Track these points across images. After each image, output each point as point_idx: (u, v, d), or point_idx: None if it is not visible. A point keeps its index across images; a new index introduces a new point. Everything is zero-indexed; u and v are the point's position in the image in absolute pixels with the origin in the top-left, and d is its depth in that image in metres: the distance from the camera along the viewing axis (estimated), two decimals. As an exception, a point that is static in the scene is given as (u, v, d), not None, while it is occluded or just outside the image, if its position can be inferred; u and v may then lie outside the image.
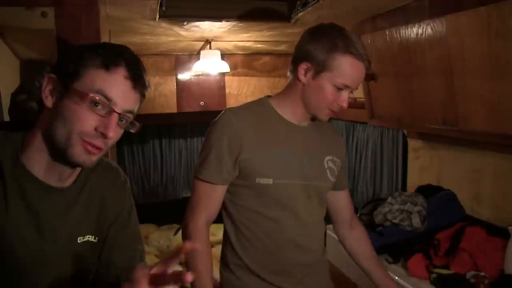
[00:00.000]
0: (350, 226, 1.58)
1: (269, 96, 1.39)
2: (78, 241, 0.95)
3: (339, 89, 1.25)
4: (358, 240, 1.58)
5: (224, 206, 1.36)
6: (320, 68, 1.25)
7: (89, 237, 0.96)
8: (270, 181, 1.27)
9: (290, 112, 1.34)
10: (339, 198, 1.55)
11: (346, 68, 1.23)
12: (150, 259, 3.36)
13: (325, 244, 1.53)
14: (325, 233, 1.58)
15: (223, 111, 1.30)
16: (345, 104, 1.26)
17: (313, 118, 1.37)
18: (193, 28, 2.41)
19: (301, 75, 1.28)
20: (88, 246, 0.96)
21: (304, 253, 1.37)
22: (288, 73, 1.34)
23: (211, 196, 1.30)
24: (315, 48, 1.25)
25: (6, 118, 1.60)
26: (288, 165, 1.30)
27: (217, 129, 1.28)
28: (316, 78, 1.26)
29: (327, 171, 1.39)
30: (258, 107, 1.35)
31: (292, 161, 1.31)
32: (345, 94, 1.26)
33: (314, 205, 1.38)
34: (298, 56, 1.29)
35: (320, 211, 1.44)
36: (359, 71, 1.25)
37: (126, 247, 1.02)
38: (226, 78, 3.53)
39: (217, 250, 3.67)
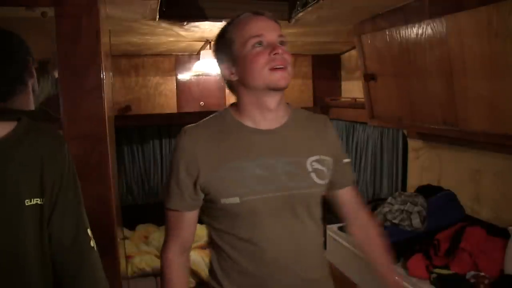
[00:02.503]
0: (355, 219, 1.40)
1: (232, 105, 1.26)
2: (26, 204, 0.95)
3: (259, 44, 1.13)
4: (361, 227, 1.40)
5: (207, 230, 1.27)
6: (232, 54, 1.17)
7: (37, 200, 0.97)
8: (237, 199, 1.13)
9: (251, 118, 1.19)
10: (341, 195, 1.36)
11: (242, 29, 1.15)
12: (151, 259, 3.36)
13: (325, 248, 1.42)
14: (325, 235, 1.54)
15: (181, 130, 1.22)
16: (280, 50, 1.12)
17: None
18: (193, 28, 2.41)
19: (230, 76, 1.19)
20: (37, 209, 0.97)
21: (296, 276, 1.21)
22: (226, 87, 1.27)
23: (180, 224, 1.22)
24: (217, 50, 1.22)
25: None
26: (258, 179, 1.15)
27: (175, 153, 1.20)
28: (237, 62, 1.16)
29: (312, 174, 1.20)
30: (218, 120, 1.22)
31: (263, 173, 1.15)
32: (272, 44, 1.13)
33: (302, 217, 1.21)
34: (220, 70, 1.24)
35: (312, 222, 1.24)
36: (257, 20, 1.16)
37: (66, 214, 1.02)
38: (226, 78, 3.53)
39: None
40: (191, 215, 1.22)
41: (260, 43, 1.13)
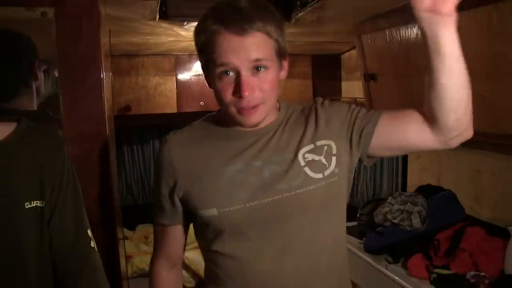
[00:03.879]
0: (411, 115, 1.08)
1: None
2: (26, 207, 0.95)
3: (225, 73, 0.92)
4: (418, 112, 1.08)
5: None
6: (203, 68, 1.01)
7: (37, 202, 0.97)
8: (214, 211, 0.99)
9: (233, 121, 1.01)
10: (384, 130, 1.03)
11: (207, 46, 0.95)
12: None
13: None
14: None
15: (164, 137, 1.11)
16: (245, 92, 0.90)
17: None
18: (193, 28, 2.41)
19: (209, 85, 1.02)
20: (37, 212, 0.97)
21: None
22: None
23: (164, 237, 1.13)
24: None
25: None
26: (239, 186, 0.99)
27: (156, 161, 1.10)
28: (209, 79, 1.00)
29: (306, 168, 1.00)
30: (203, 124, 1.10)
31: (245, 178, 0.99)
32: (239, 78, 0.91)
33: (304, 226, 1.01)
34: None
35: (319, 232, 1.02)
36: (224, 37, 0.91)
37: (66, 215, 1.02)
38: (226, 78, 3.54)
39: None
40: (176, 230, 1.12)
41: (226, 72, 0.92)
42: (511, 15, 1.41)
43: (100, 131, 1.54)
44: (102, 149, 1.54)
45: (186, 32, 2.51)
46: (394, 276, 1.92)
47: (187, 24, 2.29)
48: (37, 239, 0.98)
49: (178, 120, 3.77)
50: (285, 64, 1.01)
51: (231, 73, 0.92)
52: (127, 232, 3.75)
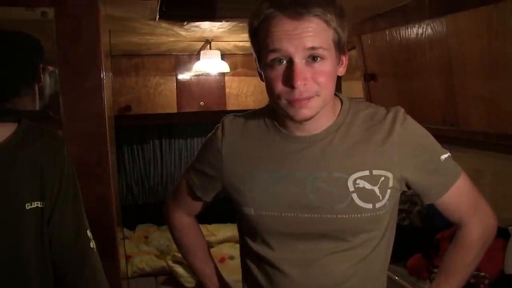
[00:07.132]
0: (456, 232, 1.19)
1: None
2: (27, 208, 0.95)
3: (278, 61, 0.85)
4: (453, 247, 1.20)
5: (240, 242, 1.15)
6: (257, 57, 0.92)
7: (37, 203, 0.97)
8: (252, 210, 0.98)
9: (284, 123, 0.97)
10: (440, 205, 1.12)
11: (261, 32, 0.87)
12: (151, 259, 3.37)
13: None
14: None
15: (222, 119, 1.07)
16: (298, 81, 0.82)
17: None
18: (193, 28, 2.41)
19: (260, 78, 0.94)
20: (37, 213, 0.97)
21: None
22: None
23: (188, 199, 1.16)
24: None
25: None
26: (280, 193, 0.95)
27: (207, 139, 1.08)
28: (261, 70, 0.92)
29: (354, 195, 0.92)
30: (258, 117, 1.02)
31: (288, 188, 0.95)
32: (292, 67, 0.84)
33: (341, 248, 0.96)
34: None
35: (357, 257, 0.98)
36: (279, 21, 0.83)
37: (66, 216, 1.02)
38: (226, 78, 3.54)
39: (218, 250, 3.61)
40: (203, 199, 1.14)
41: (279, 60, 0.85)
42: (511, 15, 1.41)
43: (100, 131, 1.54)
44: (102, 149, 1.54)
45: (186, 32, 2.51)
46: (394, 276, 1.92)
47: (187, 24, 2.29)
48: (37, 240, 0.98)
49: (178, 120, 3.78)
50: (344, 59, 0.93)
51: (284, 61, 0.85)
52: (127, 232, 3.75)
